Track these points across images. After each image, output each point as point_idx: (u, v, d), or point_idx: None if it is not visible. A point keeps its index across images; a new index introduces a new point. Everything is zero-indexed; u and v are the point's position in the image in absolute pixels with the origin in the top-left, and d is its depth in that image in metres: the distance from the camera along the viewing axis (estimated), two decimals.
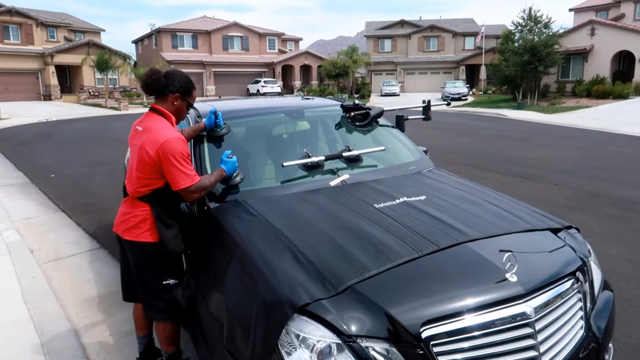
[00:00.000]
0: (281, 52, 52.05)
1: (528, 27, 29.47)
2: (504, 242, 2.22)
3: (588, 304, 2.23)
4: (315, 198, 2.67)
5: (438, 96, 37.01)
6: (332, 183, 2.91)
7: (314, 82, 48.58)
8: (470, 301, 1.86)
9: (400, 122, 3.80)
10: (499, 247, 2.15)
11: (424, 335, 1.77)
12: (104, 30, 48.02)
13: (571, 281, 2.14)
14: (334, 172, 3.01)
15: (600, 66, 30.24)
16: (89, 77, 40.23)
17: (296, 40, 57.27)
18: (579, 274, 2.21)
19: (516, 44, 30.06)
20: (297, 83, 48.25)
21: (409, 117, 3.85)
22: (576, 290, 2.16)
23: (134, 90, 41.86)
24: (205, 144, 3.08)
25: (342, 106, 3.55)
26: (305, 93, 37.95)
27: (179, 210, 2.71)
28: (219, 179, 2.67)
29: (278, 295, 1.88)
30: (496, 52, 35.62)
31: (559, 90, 30.87)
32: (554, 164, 9.93)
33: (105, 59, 36.13)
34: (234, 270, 2.18)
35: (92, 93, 39.35)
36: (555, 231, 2.48)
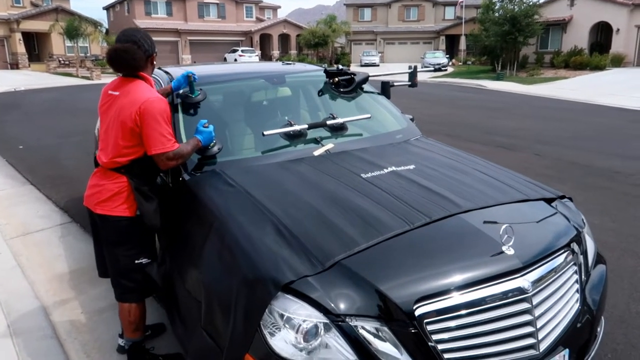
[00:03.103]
0: (259, 20, 50.85)
1: None
2: (498, 214, 2.11)
3: (583, 277, 2.15)
4: (299, 168, 2.51)
5: (420, 67, 36.64)
6: (316, 153, 2.75)
7: (293, 52, 47.76)
8: (466, 276, 1.75)
9: (385, 88, 3.64)
10: (493, 218, 2.04)
11: (417, 313, 1.65)
12: None
13: (566, 253, 2.05)
14: (317, 141, 2.85)
15: (578, 37, 30.34)
16: (58, 45, 38.63)
17: (274, 9, 55.98)
18: (574, 246, 2.12)
19: (496, 14, 29.86)
20: (276, 52, 47.38)
21: (395, 84, 3.68)
22: (572, 263, 2.07)
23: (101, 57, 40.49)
24: (180, 112, 2.87)
25: (325, 71, 3.36)
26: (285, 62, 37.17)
27: (156, 183, 2.53)
28: (195, 149, 2.49)
29: (260, 272, 1.74)
30: (476, 22, 35.38)
31: (537, 61, 30.96)
32: (534, 135, 9.92)
33: (75, 26, 34.65)
34: (212, 244, 2.02)
35: (62, 62, 37.88)
36: (548, 201, 2.39)
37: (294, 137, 2.83)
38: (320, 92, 3.36)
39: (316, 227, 1.93)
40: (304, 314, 1.63)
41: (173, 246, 2.34)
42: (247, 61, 38.06)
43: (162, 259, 2.45)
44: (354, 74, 3.34)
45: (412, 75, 3.77)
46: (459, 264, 1.79)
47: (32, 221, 5.05)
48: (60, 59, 38.19)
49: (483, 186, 2.36)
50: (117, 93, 2.36)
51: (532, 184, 2.54)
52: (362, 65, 41.90)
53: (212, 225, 2.08)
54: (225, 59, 43.46)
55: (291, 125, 2.82)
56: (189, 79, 2.88)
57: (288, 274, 1.69)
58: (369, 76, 3.43)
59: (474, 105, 15.86)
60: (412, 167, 2.53)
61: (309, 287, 1.67)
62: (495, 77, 27.24)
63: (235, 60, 40.04)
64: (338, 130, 2.98)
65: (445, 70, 34.14)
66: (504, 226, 1.83)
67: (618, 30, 28.95)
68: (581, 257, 2.17)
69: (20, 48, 36.85)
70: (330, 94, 3.34)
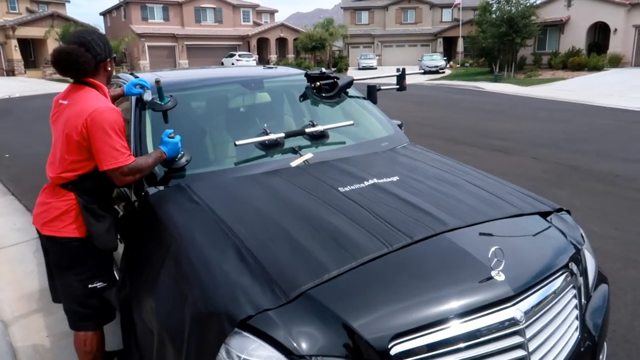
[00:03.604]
0: (256, 24, 50.70)
1: None
2: (488, 232, 1.90)
3: (583, 300, 1.93)
4: (272, 182, 2.31)
5: (416, 69, 36.58)
6: (293, 163, 2.54)
7: (290, 56, 47.60)
8: (450, 307, 1.54)
9: (372, 92, 3.43)
10: (483, 238, 1.83)
11: (393, 352, 1.44)
12: (68, 1, 45.81)
13: (564, 275, 1.84)
14: (295, 151, 2.64)
15: (576, 38, 30.19)
16: None
17: (271, 13, 55.83)
18: (572, 266, 1.91)
19: (494, 15, 29.71)
20: (273, 57, 47.21)
21: (382, 88, 3.48)
22: (570, 286, 1.86)
23: None
24: (147, 120, 2.66)
25: (306, 75, 3.15)
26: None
27: (112, 199, 2.32)
28: (157, 162, 2.28)
29: (215, 306, 1.52)
30: (474, 24, 35.24)
31: (535, 62, 30.79)
32: (531, 137, 9.71)
33: (71, 32, 34.49)
34: (168, 270, 1.81)
35: None
36: (544, 215, 2.18)
37: (270, 147, 2.62)
38: (302, 98, 3.15)
39: (283, 251, 1.72)
40: (264, 355, 1.42)
41: (132, 269, 2.13)
42: (244, 65, 37.97)
43: (122, 282, 2.23)
44: (337, 78, 3.13)
45: (401, 78, 3.57)
46: (442, 293, 1.58)
47: (8, 234, 4.83)
48: None
49: (473, 200, 2.15)
50: (65, 102, 2.15)
51: (527, 195, 2.33)
52: (359, 69, 41.74)
53: (169, 248, 1.87)
54: (222, 64, 43.30)
55: (267, 133, 2.62)
56: (157, 85, 2.68)
57: (246, 308, 1.48)
58: (353, 80, 3.23)
59: (470, 107, 15.67)
60: (395, 178, 2.32)
61: (270, 323, 1.45)
62: (493, 79, 27.06)
63: (233, 64, 39.87)
64: (318, 138, 2.77)
65: (443, 72, 33.88)
66: (493, 248, 1.63)
67: (615, 30, 28.80)
68: (581, 279, 1.96)
69: (16, 55, 36.71)
70: (312, 100, 3.13)
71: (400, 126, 3.37)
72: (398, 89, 3.60)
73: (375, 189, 2.18)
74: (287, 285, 1.55)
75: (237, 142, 2.50)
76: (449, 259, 1.72)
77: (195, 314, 1.55)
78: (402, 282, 1.61)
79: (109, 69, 2.26)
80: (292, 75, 3.40)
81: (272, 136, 2.59)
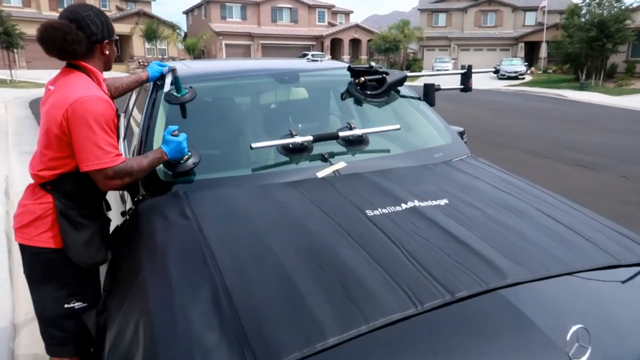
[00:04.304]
0: (331, 25, 50.70)
1: (597, 0, 26.93)
2: (567, 293, 1.34)
3: None
4: (286, 196, 1.86)
5: (494, 74, 34.77)
6: (320, 174, 2.09)
7: (364, 57, 47.13)
8: None
9: (429, 93, 2.88)
10: (559, 303, 1.28)
11: None
12: (154, 0, 48.07)
13: None
14: (325, 159, 2.18)
15: None
16: (138, 47, 40.50)
17: (347, 13, 55.58)
18: None
19: (582, 19, 27.60)
20: (346, 57, 46.95)
21: (442, 88, 2.93)
22: None
23: (183, 60, 41.90)
24: (160, 113, 2.31)
25: (349, 69, 2.67)
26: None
27: (99, 205, 1.97)
28: (155, 164, 1.91)
29: None
30: (559, 28, 32.99)
31: (628, 70, 28.23)
32: (621, 152, 8.61)
33: (154, 29, 36.15)
34: (130, 303, 1.42)
35: (141, 63, 39.58)
36: None
37: (295, 152, 2.18)
38: (343, 95, 2.68)
39: (271, 300, 1.27)
40: None
41: (108, 291, 1.76)
42: None
43: (103, 304, 1.88)
44: (387, 73, 2.63)
45: (466, 77, 3.00)
46: None
47: None
48: (140, 60, 39.93)
49: (546, 238, 1.58)
50: (52, 88, 1.83)
51: (623, 235, 1.72)
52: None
53: (137, 277, 1.48)
54: None
55: (292, 135, 2.18)
56: (173, 73, 2.33)
57: None
58: (406, 76, 2.72)
59: (552, 116, 14.41)
60: (443, 202, 1.80)
61: None
62: (579, 87, 25.09)
63: None
64: (355, 144, 2.29)
65: (523, 78, 32.00)
66: (574, 327, 1.08)
67: None
68: None
69: None
70: (355, 98, 2.65)
71: (461, 134, 2.82)
72: (462, 90, 3.03)
73: (414, 215, 1.67)
74: (263, 352, 1.09)
75: (253, 145, 2.08)
76: (505, 332, 1.19)
77: None
78: None
79: (107, 52, 1.91)
80: (335, 69, 2.94)
81: (298, 139, 2.14)
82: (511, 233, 1.58)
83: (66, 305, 1.85)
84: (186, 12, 53.71)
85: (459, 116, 13.44)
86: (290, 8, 47.91)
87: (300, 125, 2.50)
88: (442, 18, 49.99)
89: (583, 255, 1.50)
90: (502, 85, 27.88)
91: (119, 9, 43.33)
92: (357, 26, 48.51)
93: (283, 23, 47.83)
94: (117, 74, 34.81)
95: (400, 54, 44.15)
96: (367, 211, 1.69)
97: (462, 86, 3.02)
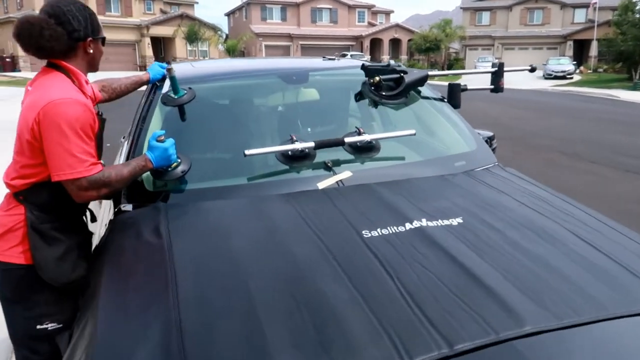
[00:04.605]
0: (371, 24, 50.27)
1: None
2: (606, 347, 1.06)
3: None
4: (276, 211, 1.64)
5: (539, 74, 33.51)
6: (322, 184, 1.86)
7: (404, 57, 46.48)
8: None
9: (454, 93, 2.59)
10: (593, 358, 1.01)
11: None
12: (197, 2, 48.93)
13: None
14: (329, 167, 1.95)
15: None
16: (181, 48, 41.35)
17: (387, 13, 54.96)
18: None
19: (637, 15, 26.17)
20: (386, 57, 46.42)
21: (469, 88, 2.63)
22: None
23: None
24: (155, 116, 2.15)
25: (363, 68, 2.43)
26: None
27: (78, 217, 1.81)
28: (138, 173, 1.73)
29: None
30: (611, 25, 31.44)
31: None
32: None
33: (195, 31, 36.84)
34: (81, 334, 1.26)
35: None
36: None
37: (295, 160, 1.95)
38: (356, 97, 2.44)
39: (228, 344, 1.05)
40: None
41: (78, 314, 1.60)
42: None
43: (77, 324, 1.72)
44: (405, 72, 2.37)
45: (497, 76, 2.70)
46: None
47: None
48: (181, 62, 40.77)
49: (581, 271, 1.29)
50: (30, 88, 1.69)
51: None
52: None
53: (93, 302, 1.31)
54: None
55: (293, 141, 1.96)
56: (169, 73, 2.17)
57: None
58: (427, 75, 2.45)
59: (601, 118, 13.60)
60: (457, 221, 1.53)
61: None
62: (632, 87, 23.75)
63: None
64: (364, 151, 2.04)
65: (571, 78, 30.72)
66: None
67: None
68: None
69: (149, 51, 40.00)
70: (370, 99, 2.40)
71: (490, 139, 2.53)
72: (493, 90, 2.73)
73: (418, 238, 1.42)
74: None
75: (246, 152, 1.87)
76: None
77: None
78: None
79: (91, 51, 1.74)
80: (349, 68, 2.70)
81: (298, 146, 1.92)
82: (536, 264, 1.30)
83: (38, 327, 1.70)
84: (228, 14, 54.47)
85: (500, 116, 12.89)
86: (330, 8, 47.78)
87: (309, 129, 2.29)
88: (485, 16, 48.64)
89: (628, 295, 1.21)
90: (548, 85, 26.77)
91: (162, 12, 44.39)
92: (397, 26, 47.92)
93: (323, 23, 47.75)
94: None
95: (441, 53, 43.26)
96: (363, 231, 1.45)
97: (492, 86, 2.73)
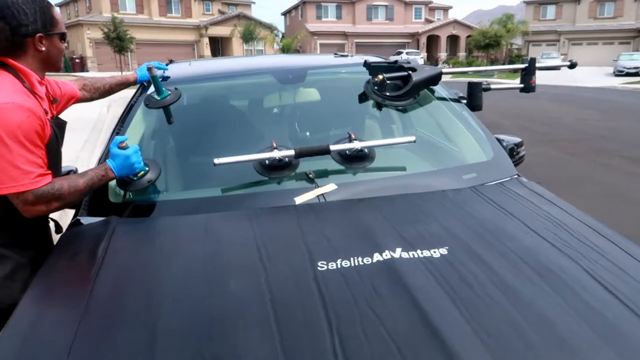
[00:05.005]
0: (428, 21, 49.11)
1: None
2: None
3: None
4: (231, 232, 1.43)
5: (609, 70, 31.39)
6: (299, 199, 1.62)
7: (462, 54, 45.07)
8: None
9: (474, 93, 2.25)
10: None
11: None
12: (254, 3, 49.69)
13: None
14: (311, 179, 1.71)
15: None
16: (238, 48, 42.13)
17: (445, 9, 53.52)
18: None
19: None
20: (443, 55, 45.21)
21: (493, 87, 2.29)
22: None
23: None
24: (135, 118, 2.00)
25: (366, 65, 2.15)
26: (451, 65, 35.01)
27: (37, 231, 1.66)
28: (96, 183, 1.57)
29: None
30: None
31: None
32: None
33: (250, 30, 37.39)
34: None
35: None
36: None
37: (274, 170, 1.73)
38: (362, 97, 2.17)
39: None
40: None
41: None
42: None
43: None
44: (413, 70, 2.08)
45: (528, 73, 2.34)
46: None
47: None
48: None
49: (590, 335, 0.95)
50: None
51: None
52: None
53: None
54: None
55: (272, 149, 1.73)
56: (150, 73, 2.01)
57: None
58: (441, 73, 2.14)
59: None
60: (440, 252, 1.24)
61: None
62: None
63: None
64: (355, 160, 1.78)
65: None
66: None
67: None
68: None
69: (207, 51, 41.08)
70: (371, 100, 2.13)
71: (515, 147, 2.18)
72: (522, 90, 2.38)
73: (383, 274, 1.15)
74: None
75: (216, 161, 1.66)
76: None
77: None
78: None
79: (43, 49, 1.58)
80: (349, 66, 2.43)
81: (275, 154, 1.69)
82: (526, 318, 1.00)
83: None
84: (284, 14, 54.96)
85: (563, 117, 12.07)
86: (385, 6, 47.09)
87: (300, 135, 2.06)
88: (550, 10, 46.21)
89: None
90: (618, 82, 24.95)
91: (220, 12, 45.40)
92: (455, 22, 46.50)
93: (378, 21, 47.14)
94: None
95: (501, 49, 41.53)
96: (319, 263, 1.20)
97: (521, 85, 2.38)
